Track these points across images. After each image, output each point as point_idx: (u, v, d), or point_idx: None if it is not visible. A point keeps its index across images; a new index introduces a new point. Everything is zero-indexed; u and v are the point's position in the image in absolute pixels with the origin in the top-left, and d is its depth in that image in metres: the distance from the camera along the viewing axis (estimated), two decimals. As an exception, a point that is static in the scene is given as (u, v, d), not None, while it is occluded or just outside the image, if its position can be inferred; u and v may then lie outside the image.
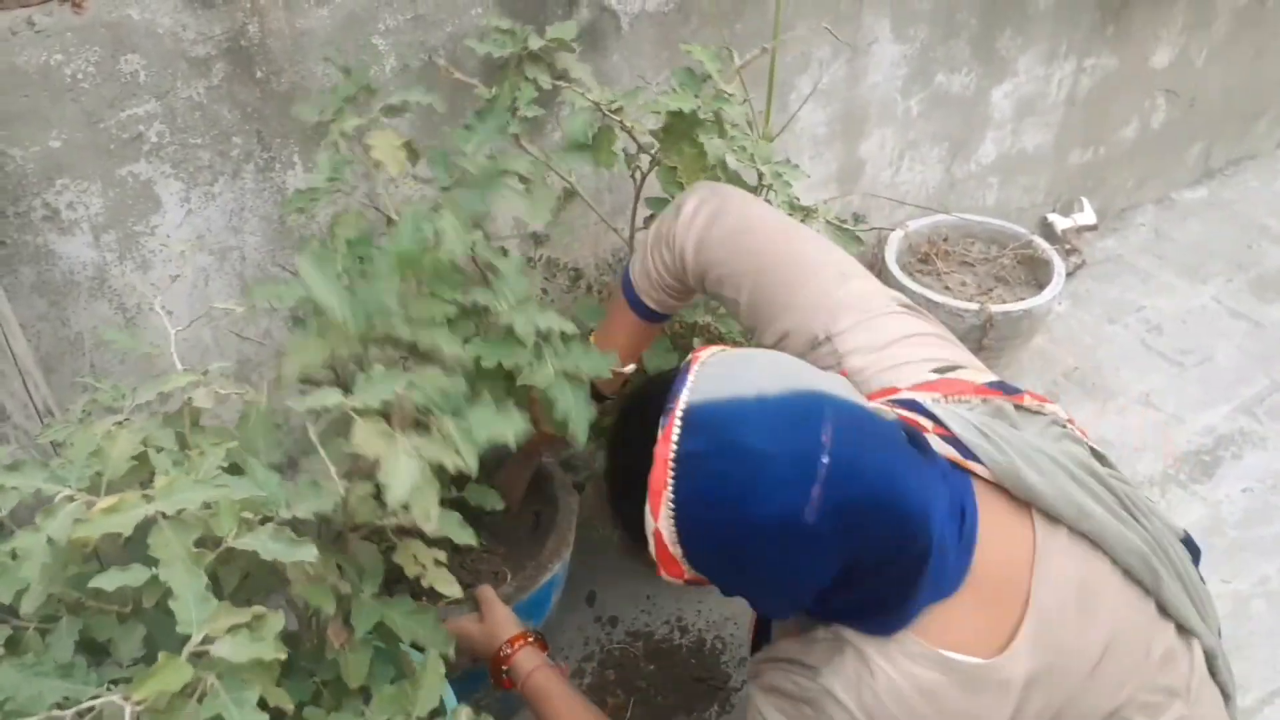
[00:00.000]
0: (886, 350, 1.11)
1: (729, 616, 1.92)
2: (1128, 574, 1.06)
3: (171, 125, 1.39)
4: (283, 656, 0.80)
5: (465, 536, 1.15)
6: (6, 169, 1.29)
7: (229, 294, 1.58)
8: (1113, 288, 2.86)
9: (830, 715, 0.94)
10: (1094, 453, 1.10)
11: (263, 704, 0.81)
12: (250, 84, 1.43)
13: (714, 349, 0.98)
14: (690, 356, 0.96)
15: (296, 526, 0.98)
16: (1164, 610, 1.07)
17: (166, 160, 1.42)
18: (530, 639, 1.31)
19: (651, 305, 1.34)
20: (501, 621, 1.33)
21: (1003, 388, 1.11)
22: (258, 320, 1.63)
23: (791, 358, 0.99)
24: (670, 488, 0.87)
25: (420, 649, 1.12)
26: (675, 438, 0.88)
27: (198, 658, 0.79)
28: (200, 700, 0.78)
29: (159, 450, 0.93)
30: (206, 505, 0.86)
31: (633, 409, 1.03)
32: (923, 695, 0.92)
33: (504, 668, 1.29)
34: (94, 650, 0.93)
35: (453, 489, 1.24)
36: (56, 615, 0.91)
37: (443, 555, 1.15)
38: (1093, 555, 1.05)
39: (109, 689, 0.85)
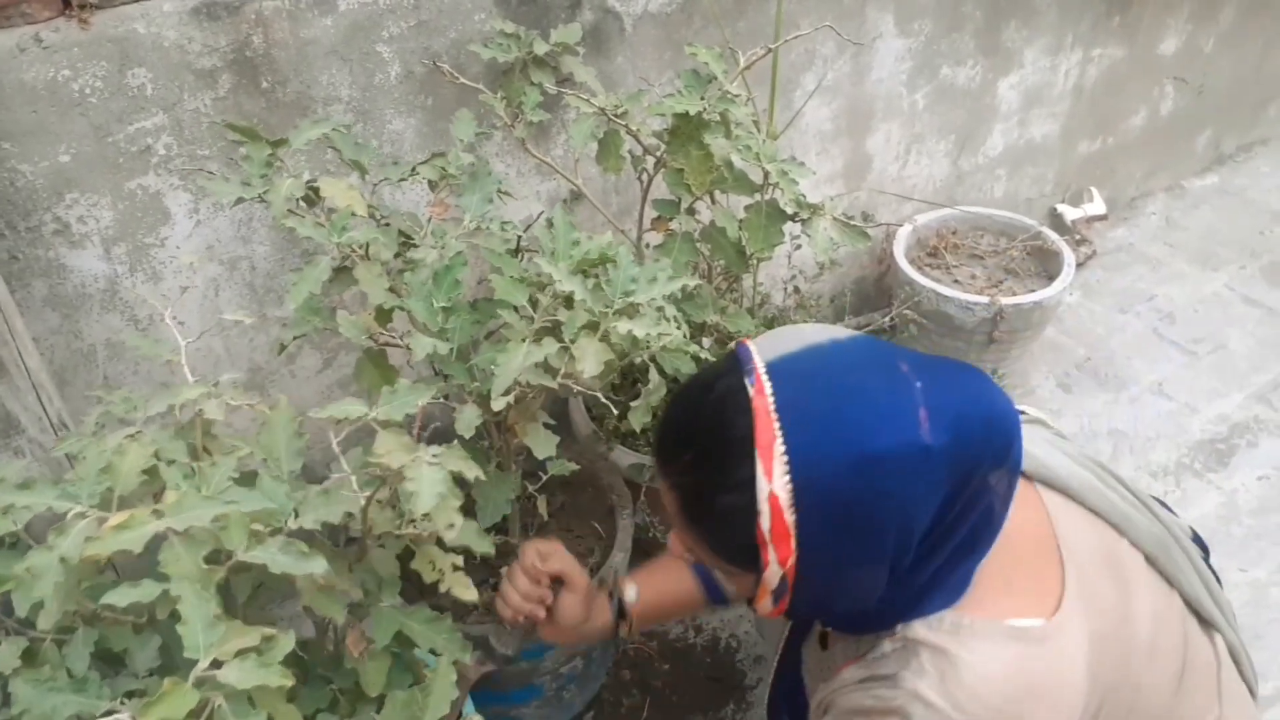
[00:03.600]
0: None
1: (743, 615, 1.92)
2: (1150, 561, 1.05)
3: (179, 137, 1.40)
4: (289, 683, 0.80)
5: (484, 546, 1.16)
6: (17, 184, 1.31)
7: (239, 303, 1.59)
8: (1124, 277, 2.85)
9: (921, 719, 0.90)
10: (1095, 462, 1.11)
11: (273, 721, 0.81)
12: (256, 94, 1.44)
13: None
14: (728, 353, 0.94)
15: (307, 536, 0.99)
16: (1186, 602, 1.07)
17: (175, 172, 1.43)
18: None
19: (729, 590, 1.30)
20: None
21: None
22: (268, 329, 1.64)
23: None
24: (780, 438, 0.83)
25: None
26: (770, 390, 0.85)
27: (205, 682, 0.79)
28: (207, 721, 0.78)
29: (169, 463, 0.94)
30: (217, 520, 0.86)
31: (689, 409, 0.94)
32: (1008, 672, 0.90)
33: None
34: (110, 660, 0.94)
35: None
36: (72, 626, 0.92)
37: (460, 560, 1.15)
38: (1109, 532, 1.05)
39: (123, 702, 0.86)
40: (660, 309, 1.26)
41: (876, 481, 0.83)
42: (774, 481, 0.83)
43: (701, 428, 0.90)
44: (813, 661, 1.21)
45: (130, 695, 0.90)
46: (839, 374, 0.86)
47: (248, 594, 0.99)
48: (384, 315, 1.26)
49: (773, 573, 0.88)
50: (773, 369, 0.87)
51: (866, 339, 0.91)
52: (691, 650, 1.86)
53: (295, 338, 1.28)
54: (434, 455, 0.95)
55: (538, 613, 1.26)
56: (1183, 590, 1.07)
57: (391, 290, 1.26)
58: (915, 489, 0.85)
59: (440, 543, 1.12)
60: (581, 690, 1.67)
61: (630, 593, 1.30)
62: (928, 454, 0.84)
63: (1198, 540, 1.13)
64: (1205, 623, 1.11)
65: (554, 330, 1.19)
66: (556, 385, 1.16)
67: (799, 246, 1.91)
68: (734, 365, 0.89)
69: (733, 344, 0.95)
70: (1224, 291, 2.78)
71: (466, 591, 1.15)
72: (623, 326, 1.15)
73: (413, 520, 1.06)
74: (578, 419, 1.79)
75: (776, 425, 0.84)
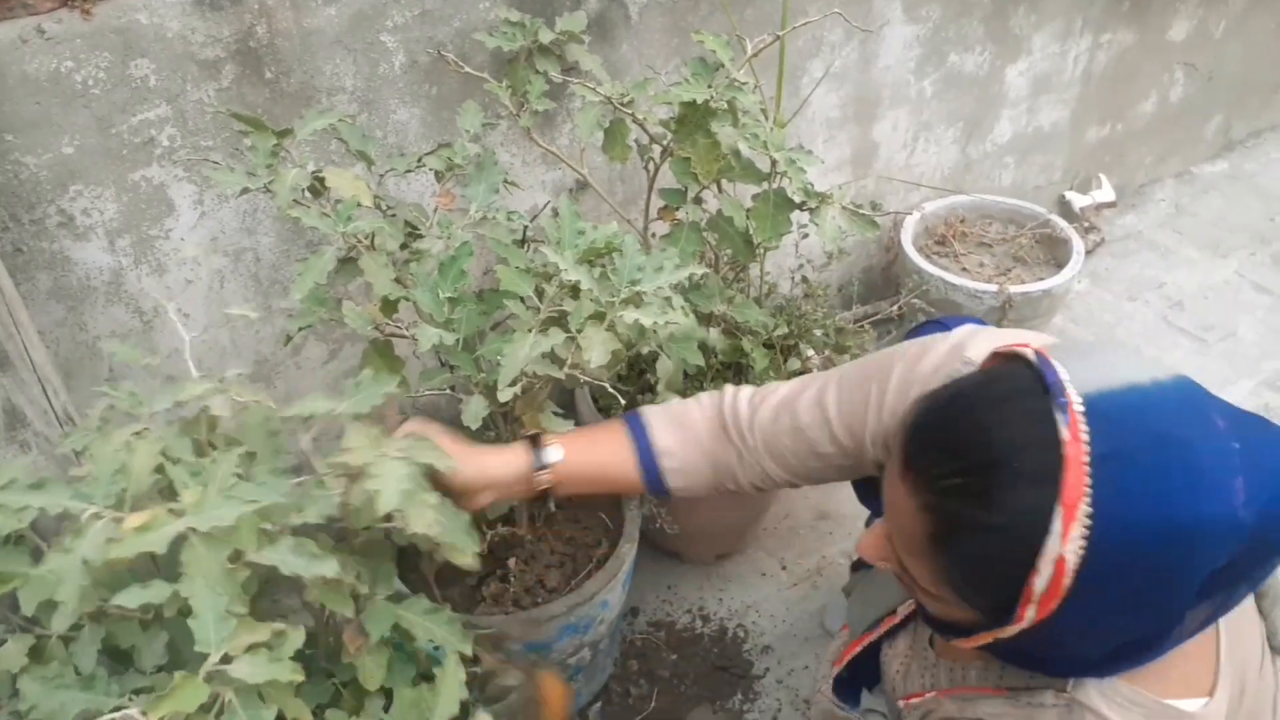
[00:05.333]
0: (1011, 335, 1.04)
1: (750, 605, 1.91)
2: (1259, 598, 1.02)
3: (183, 128, 1.39)
4: (300, 678, 0.80)
5: (465, 556, 1.12)
6: (20, 176, 1.30)
7: (244, 295, 1.58)
8: (1133, 265, 2.83)
9: None
10: None
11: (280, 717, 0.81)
12: (260, 84, 1.43)
13: (1027, 343, 0.86)
14: (998, 354, 0.84)
15: (310, 532, 0.98)
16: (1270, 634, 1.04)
17: (179, 163, 1.42)
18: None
19: (672, 484, 1.24)
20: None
21: None
22: (274, 321, 1.63)
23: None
24: (1089, 497, 0.73)
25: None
26: (1086, 436, 0.73)
27: (215, 676, 0.79)
28: (218, 717, 0.78)
29: (175, 462, 0.93)
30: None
31: (977, 424, 0.80)
32: None
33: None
34: (117, 657, 0.93)
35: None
36: (79, 624, 0.91)
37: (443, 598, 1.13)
38: None
39: (130, 699, 0.85)
40: (667, 298, 1.25)
41: (1178, 554, 0.74)
42: (1068, 544, 0.73)
43: (994, 458, 0.76)
44: (907, 654, 1.17)
45: (138, 692, 0.90)
46: (1171, 425, 0.75)
47: (255, 589, 0.98)
48: (390, 306, 1.25)
49: (1016, 627, 0.80)
50: (1092, 408, 0.75)
51: (1184, 381, 0.79)
52: (699, 640, 1.86)
53: (300, 329, 1.28)
54: (400, 449, 0.94)
55: None
56: (1270, 622, 1.04)
57: (397, 281, 1.26)
58: (1210, 562, 0.76)
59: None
60: (589, 681, 1.67)
61: (554, 451, 1.20)
62: (1237, 530, 0.74)
63: None
64: (1274, 649, 1.08)
65: (560, 320, 1.18)
66: (564, 376, 1.15)
67: (806, 235, 1.89)
68: (1038, 389, 0.77)
69: (999, 356, 0.84)
70: (1234, 278, 2.76)
71: (465, 559, 1.11)
72: (629, 315, 1.14)
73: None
74: (584, 410, 1.78)
75: (1088, 483, 0.73)
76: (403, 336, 1.27)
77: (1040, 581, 0.75)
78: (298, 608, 1.11)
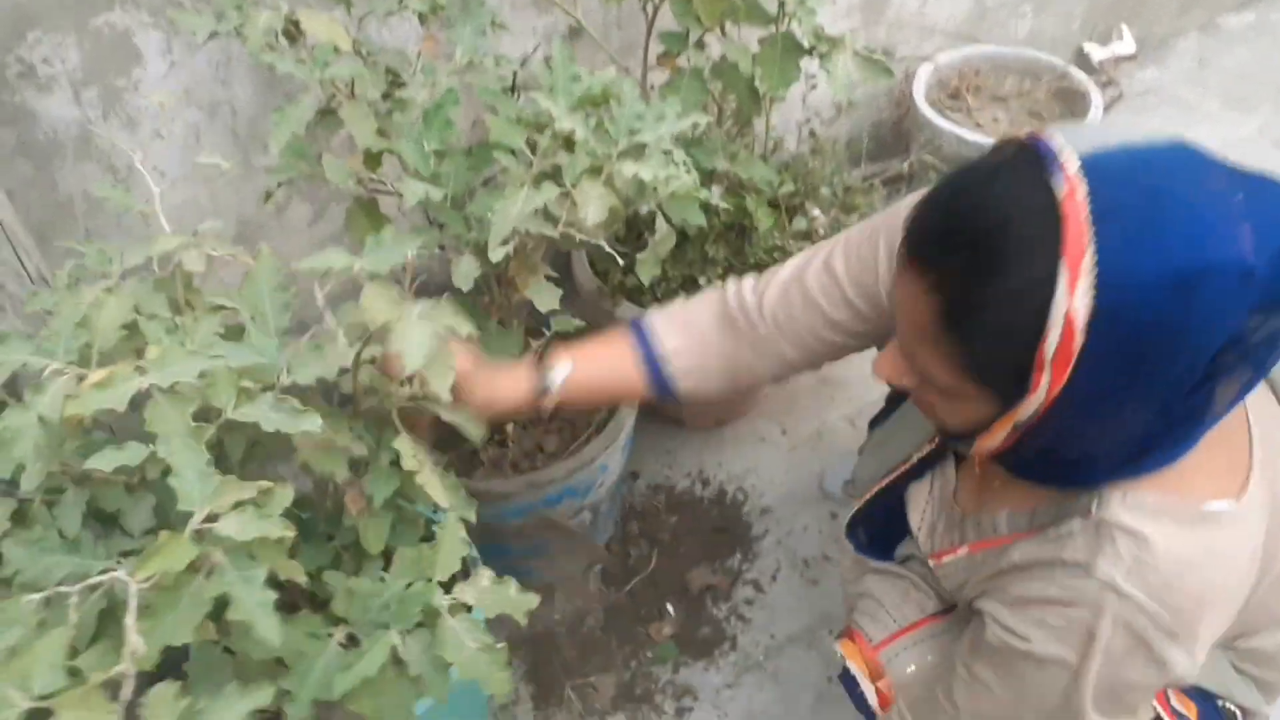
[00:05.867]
0: None
1: (750, 469, 1.91)
2: None
3: (144, -33, 1.29)
4: (291, 534, 0.77)
5: (474, 431, 1.10)
6: (-29, 21, 1.21)
7: (223, 152, 1.50)
8: (1152, 120, 2.72)
9: (1115, 612, 0.84)
10: None
11: (275, 580, 0.78)
12: (225, -82, 1.32)
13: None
14: (1006, 141, 0.82)
15: (301, 393, 0.95)
16: None
17: (143, 7, 1.32)
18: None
19: (681, 387, 1.19)
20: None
21: None
22: (255, 179, 1.56)
23: None
24: (1092, 249, 0.73)
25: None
26: (1085, 193, 0.74)
27: (203, 535, 0.76)
28: (208, 576, 0.76)
29: (150, 318, 0.89)
30: (203, 375, 0.82)
31: (975, 201, 0.80)
32: (1201, 561, 0.84)
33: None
34: (104, 520, 0.91)
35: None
36: (62, 488, 0.88)
37: (439, 461, 1.10)
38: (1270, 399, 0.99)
39: (119, 562, 0.83)
40: (668, 152, 1.18)
41: (1188, 304, 0.73)
42: (1075, 299, 0.73)
43: (993, 224, 0.77)
44: (933, 510, 1.16)
45: (126, 555, 0.88)
46: (1160, 178, 0.75)
47: (241, 454, 0.95)
48: (373, 159, 1.19)
49: (1034, 401, 0.80)
50: (1089, 168, 0.75)
51: (1182, 142, 0.78)
52: (699, 503, 1.86)
53: (280, 184, 1.21)
54: (423, 310, 0.89)
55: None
56: None
57: (380, 133, 1.18)
58: (1223, 317, 0.75)
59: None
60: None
61: (561, 370, 1.17)
62: (1249, 277, 0.74)
63: None
64: None
65: (555, 175, 1.12)
66: (558, 234, 1.09)
67: (814, 87, 1.80)
68: (1033, 157, 0.77)
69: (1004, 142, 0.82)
70: (1256, 135, 2.66)
71: (440, 494, 1.09)
72: (628, 169, 1.07)
73: (406, 382, 1.01)
74: (580, 274, 1.72)
75: (1090, 235, 0.73)
76: (388, 193, 1.21)
77: (1052, 342, 0.75)
78: (295, 472, 1.09)
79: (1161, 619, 0.83)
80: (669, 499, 1.86)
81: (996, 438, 0.87)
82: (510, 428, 1.50)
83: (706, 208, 1.33)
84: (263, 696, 0.76)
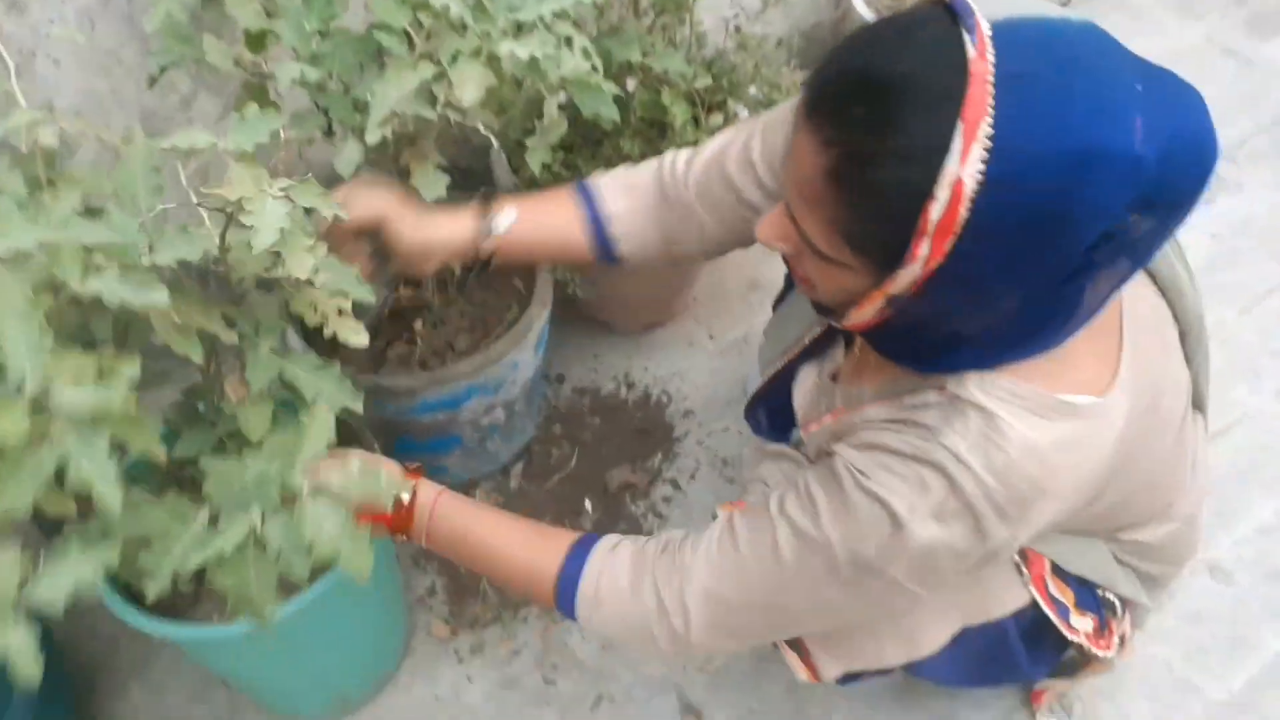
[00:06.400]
0: None
1: (676, 372, 1.92)
2: (1181, 337, 1.03)
3: None
4: (132, 406, 0.77)
5: (362, 293, 1.09)
6: None
7: (119, 41, 1.46)
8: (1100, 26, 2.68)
9: (953, 478, 0.85)
10: None
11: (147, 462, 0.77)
12: None
13: None
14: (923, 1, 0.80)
15: (168, 275, 0.94)
16: (1193, 381, 1.06)
17: (19, -119, 1.27)
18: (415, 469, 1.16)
19: (622, 250, 1.21)
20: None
21: None
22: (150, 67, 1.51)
23: None
24: (990, 116, 0.71)
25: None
26: (993, 56, 0.72)
27: (43, 409, 0.75)
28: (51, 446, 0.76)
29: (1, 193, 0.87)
30: (47, 248, 0.80)
31: (880, 54, 0.78)
32: (1048, 449, 0.86)
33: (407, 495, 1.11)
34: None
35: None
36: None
37: (346, 303, 1.10)
38: (1162, 302, 1.02)
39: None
40: (569, 38, 1.16)
41: (1077, 185, 0.73)
42: (966, 166, 0.72)
43: (898, 77, 0.74)
44: (813, 387, 1.18)
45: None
46: (1068, 53, 0.74)
47: (108, 335, 0.94)
48: (255, 41, 1.15)
49: (909, 272, 0.79)
50: (999, 32, 0.73)
51: (1094, 25, 0.77)
52: (623, 406, 1.87)
53: (163, 69, 1.18)
54: (282, 188, 0.88)
55: (365, 267, 1.15)
56: (1194, 371, 1.05)
57: (268, 14, 1.15)
58: (1105, 205, 0.75)
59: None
60: (507, 442, 1.68)
61: (506, 217, 1.17)
62: (1135, 169, 0.73)
63: None
64: (1198, 407, 1.10)
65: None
66: (435, 116, 1.07)
67: (741, -19, 1.76)
68: (945, 14, 0.76)
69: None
70: (1202, 43, 2.63)
71: (355, 336, 1.11)
72: (506, 47, 1.04)
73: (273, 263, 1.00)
74: (500, 172, 1.70)
75: (991, 102, 0.71)
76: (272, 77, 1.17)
77: (937, 209, 0.74)
78: (183, 365, 1.08)
79: (996, 495, 0.85)
80: (593, 401, 1.87)
81: (867, 312, 0.87)
82: (419, 324, 1.49)
83: (619, 100, 1.31)
84: (107, 557, 0.77)
